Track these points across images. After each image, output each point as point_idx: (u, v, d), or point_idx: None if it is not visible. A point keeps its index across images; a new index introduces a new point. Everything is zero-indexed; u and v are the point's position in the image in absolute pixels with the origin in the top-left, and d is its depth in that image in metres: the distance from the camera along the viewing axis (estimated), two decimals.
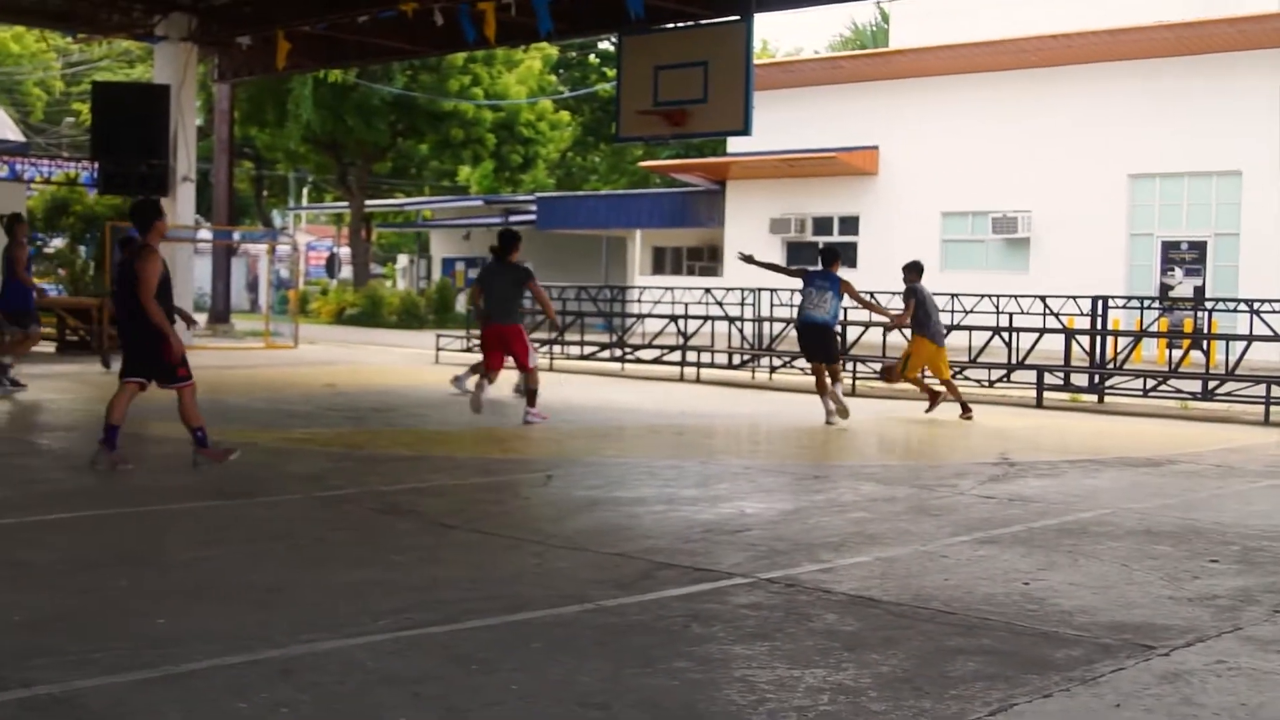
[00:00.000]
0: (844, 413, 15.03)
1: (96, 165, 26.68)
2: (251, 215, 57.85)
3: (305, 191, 65.48)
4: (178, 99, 26.41)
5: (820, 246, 16.65)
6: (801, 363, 20.99)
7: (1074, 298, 21.66)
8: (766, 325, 23.11)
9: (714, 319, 23.04)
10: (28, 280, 16.97)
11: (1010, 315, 21.11)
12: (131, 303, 10.05)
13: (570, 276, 37.22)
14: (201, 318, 32.06)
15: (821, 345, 15.37)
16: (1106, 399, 18.33)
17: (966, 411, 15.95)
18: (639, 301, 30.92)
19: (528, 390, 14.59)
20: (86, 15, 27.35)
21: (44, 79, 60.49)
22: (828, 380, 15.21)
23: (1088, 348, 19.48)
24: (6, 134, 34.64)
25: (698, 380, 21.35)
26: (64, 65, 59.12)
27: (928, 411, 16.14)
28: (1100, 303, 19.79)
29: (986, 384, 19.40)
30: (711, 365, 21.82)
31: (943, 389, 16.26)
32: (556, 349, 23.88)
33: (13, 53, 58.40)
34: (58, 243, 33.22)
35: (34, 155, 36.74)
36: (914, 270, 16.17)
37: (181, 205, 27.25)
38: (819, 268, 15.37)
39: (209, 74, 30.71)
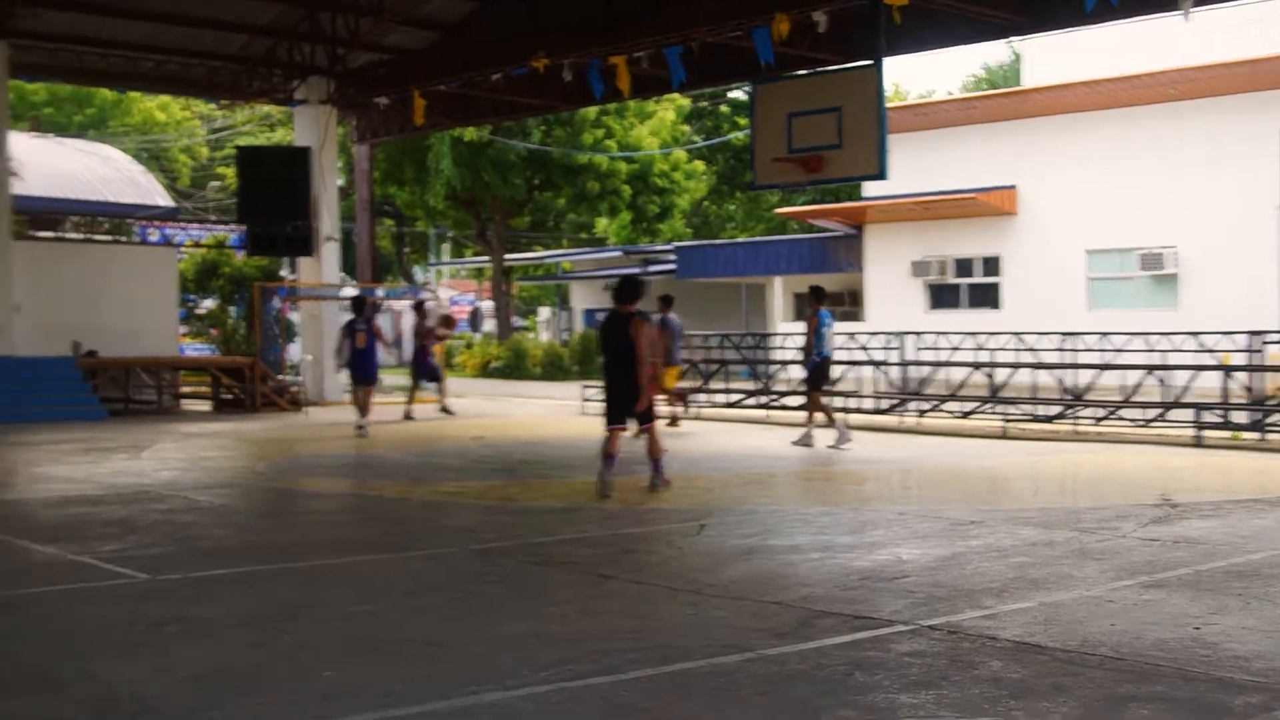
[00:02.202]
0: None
1: (243, 228, 27.31)
2: (394, 272, 58.76)
3: (446, 247, 66.39)
4: (318, 160, 27.03)
5: (810, 287, 17.68)
6: (950, 406, 20.87)
7: (1228, 333, 21.13)
8: (913, 369, 22.82)
9: (858, 364, 22.85)
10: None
11: (1163, 353, 20.65)
12: (626, 357, 12.16)
13: (712, 324, 37.10)
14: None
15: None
16: (1268, 436, 17.82)
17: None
18: (781, 348, 30.77)
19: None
20: (229, 83, 28.13)
21: (189, 145, 62.21)
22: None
23: (1246, 384, 18.99)
24: (157, 200, 35.52)
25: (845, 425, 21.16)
26: (208, 131, 60.70)
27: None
28: (1257, 337, 19.31)
29: (1142, 424, 19.00)
30: (859, 410, 21.59)
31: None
32: (702, 396, 23.89)
33: (159, 121, 60.24)
34: (208, 304, 34.00)
35: (183, 220, 37.71)
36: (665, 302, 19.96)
37: (327, 264, 27.86)
38: (821, 307, 17.42)
39: (348, 135, 31.31)
